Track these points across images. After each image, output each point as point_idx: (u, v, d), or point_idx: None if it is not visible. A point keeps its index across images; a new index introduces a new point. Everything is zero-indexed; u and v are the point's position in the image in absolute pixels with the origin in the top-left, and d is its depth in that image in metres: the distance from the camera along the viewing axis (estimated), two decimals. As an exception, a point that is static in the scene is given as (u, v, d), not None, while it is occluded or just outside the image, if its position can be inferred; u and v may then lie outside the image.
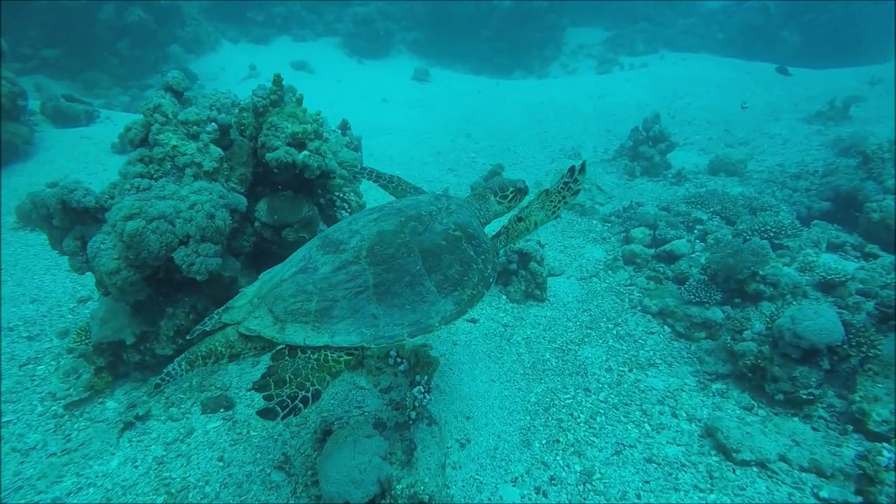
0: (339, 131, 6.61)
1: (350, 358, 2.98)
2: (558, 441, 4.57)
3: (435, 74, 21.28)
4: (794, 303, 6.24)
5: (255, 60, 19.23)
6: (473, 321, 5.97)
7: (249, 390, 2.99)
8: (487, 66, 23.62)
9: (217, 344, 3.04)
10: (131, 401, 4.98)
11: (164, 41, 17.57)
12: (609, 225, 8.85)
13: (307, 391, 2.76)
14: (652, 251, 7.60)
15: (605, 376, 5.37)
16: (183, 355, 3.03)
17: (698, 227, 8.33)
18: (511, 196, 4.09)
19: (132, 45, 16.98)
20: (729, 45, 24.69)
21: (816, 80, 19.35)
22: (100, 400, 4.98)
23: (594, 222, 9.15)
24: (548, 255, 7.69)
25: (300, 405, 2.71)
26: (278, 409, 2.67)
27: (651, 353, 5.78)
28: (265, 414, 2.65)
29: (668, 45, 25.37)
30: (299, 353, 2.93)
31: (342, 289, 3.02)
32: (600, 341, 5.89)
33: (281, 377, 2.81)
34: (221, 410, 4.97)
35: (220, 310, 3.30)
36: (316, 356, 2.92)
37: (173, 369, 2.99)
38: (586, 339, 5.89)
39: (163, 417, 4.88)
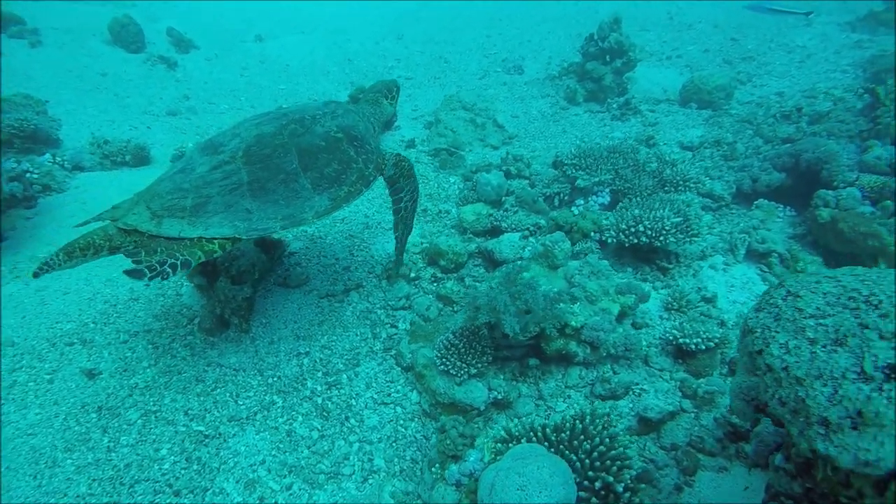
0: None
1: (226, 241, 3.11)
2: None
3: (400, -47, 17.48)
4: (621, 372, 3.84)
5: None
6: (93, 374, 3.85)
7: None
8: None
9: (95, 237, 3.08)
10: None
11: None
12: (466, 187, 6.27)
13: (176, 259, 2.92)
14: (474, 245, 5.13)
15: (233, 500, 3.27)
16: (62, 246, 3.06)
17: (578, 205, 5.70)
18: (396, 95, 4.43)
19: None
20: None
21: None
22: None
23: (453, 180, 6.58)
24: (332, 236, 5.34)
25: (168, 270, 2.87)
26: (145, 270, 2.83)
27: (356, 446, 3.60)
28: (132, 273, 2.83)
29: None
30: (175, 241, 3.04)
31: (217, 186, 3.14)
32: (281, 419, 3.72)
33: (152, 248, 2.98)
34: None
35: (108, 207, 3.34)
36: (190, 241, 3.04)
37: (52, 259, 3.01)
38: (259, 415, 3.73)
39: None
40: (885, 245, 4.45)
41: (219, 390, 3.86)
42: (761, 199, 5.77)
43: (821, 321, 1.46)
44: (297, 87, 10.41)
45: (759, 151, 7.06)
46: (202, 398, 3.79)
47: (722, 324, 4.16)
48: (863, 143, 5.89)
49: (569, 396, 3.79)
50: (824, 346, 1.39)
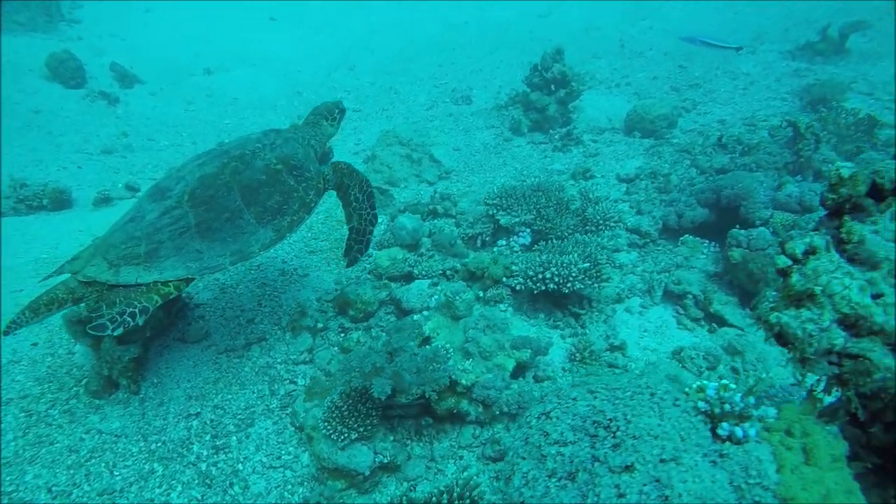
0: None
1: (180, 282, 3.32)
2: None
3: (360, -18, 17.58)
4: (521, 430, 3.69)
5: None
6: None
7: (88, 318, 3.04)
8: (436, -28, 19.62)
9: (58, 292, 3.25)
10: None
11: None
12: (388, 229, 6.15)
13: (134, 308, 3.09)
14: (386, 293, 4.99)
15: (87, 590, 3.05)
16: (27, 304, 3.23)
17: (500, 245, 5.61)
18: (338, 117, 4.50)
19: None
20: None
21: (833, -5, 15.07)
22: None
23: (380, 220, 6.45)
24: (245, 284, 5.18)
25: (128, 319, 3.05)
26: (108, 323, 3.01)
27: (235, 519, 3.41)
28: (96, 328, 3.00)
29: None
30: (133, 288, 3.22)
31: (167, 231, 3.31)
32: (158, 490, 3.51)
33: (112, 300, 3.13)
34: None
35: (68, 259, 3.49)
36: (146, 286, 3.23)
37: (19, 317, 3.18)
38: (135, 486, 3.51)
39: None
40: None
41: (94, 460, 3.64)
42: (687, 235, 5.75)
43: (561, 449, 1.35)
44: (242, 121, 10.30)
45: (692, 183, 7.07)
46: (72, 471, 3.57)
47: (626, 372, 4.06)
48: (781, 177, 5.92)
49: (461, 457, 3.64)
50: (559, 480, 1.28)
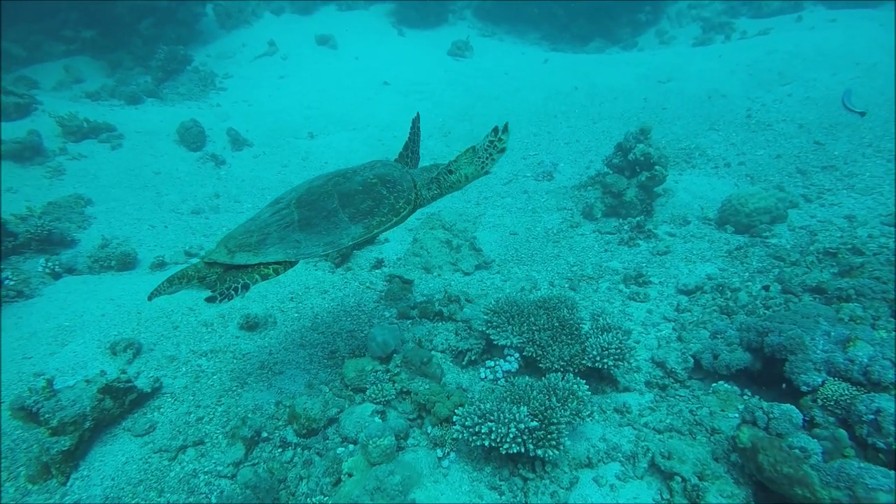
0: None
1: (279, 266, 3.88)
2: None
3: (481, 47, 17.88)
4: None
5: (281, 34, 17.98)
6: None
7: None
8: (564, 35, 19.36)
9: (189, 270, 3.99)
10: None
11: (184, 18, 17.18)
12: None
13: (237, 283, 3.71)
14: (335, 410, 4.61)
15: None
16: (167, 278, 4.01)
17: (488, 366, 4.99)
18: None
19: (155, 23, 16.86)
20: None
21: None
22: None
23: (388, 314, 6.15)
24: (222, 373, 5.17)
25: (231, 292, 3.67)
26: (217, 296, 3.64)
27: None
28: (210, 300, 3.62)
29: (832, -4, 18.01)
30: (242, 269, 3.82)
31: (275, 226, 3.92)
32: None
33: (224, 279, 3.78)
34: None
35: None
36: (252, 267, 3.81)
37: (161, 286, 4.00)
38: None
39: None
40: (817, 500, 3.19)
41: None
42: (720, 383, 4.62)
43: None
44: (326, 186, 10.77)
45: (767, 304, 5.78)
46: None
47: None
48: (859, 323, 4.49)
49: None
50: None
